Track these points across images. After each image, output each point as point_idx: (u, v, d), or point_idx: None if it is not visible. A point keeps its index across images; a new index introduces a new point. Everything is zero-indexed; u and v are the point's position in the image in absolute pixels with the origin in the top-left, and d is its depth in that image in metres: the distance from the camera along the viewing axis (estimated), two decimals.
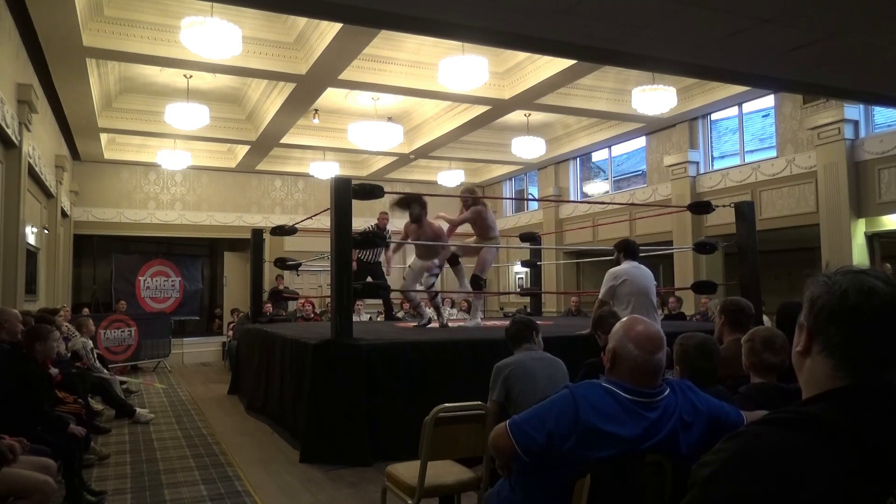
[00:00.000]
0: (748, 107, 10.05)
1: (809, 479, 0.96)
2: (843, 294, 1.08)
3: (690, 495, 1.07)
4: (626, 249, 5.51)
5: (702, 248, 7.71)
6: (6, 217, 6.81)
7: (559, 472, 1.95)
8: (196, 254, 15.49)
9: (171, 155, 11.56)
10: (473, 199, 7.32)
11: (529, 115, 11.06)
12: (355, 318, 6.63)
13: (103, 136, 11.45)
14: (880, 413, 1.02)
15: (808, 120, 8.68)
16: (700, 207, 7.92)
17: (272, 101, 10.02)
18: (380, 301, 9.16)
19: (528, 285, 11.06)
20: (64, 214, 11.34)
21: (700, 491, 1.05)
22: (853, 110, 8.25)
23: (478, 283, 7.00)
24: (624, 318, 2.15)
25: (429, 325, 7.25)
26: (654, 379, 1.98)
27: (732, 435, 1.09)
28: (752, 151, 10.15)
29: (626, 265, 5.41)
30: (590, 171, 13.93)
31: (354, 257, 8.16)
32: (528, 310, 10.50)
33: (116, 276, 13.71)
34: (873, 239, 8.27)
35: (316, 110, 10.50)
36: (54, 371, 5.17)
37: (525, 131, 11.42)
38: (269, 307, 10.14)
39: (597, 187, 13.55)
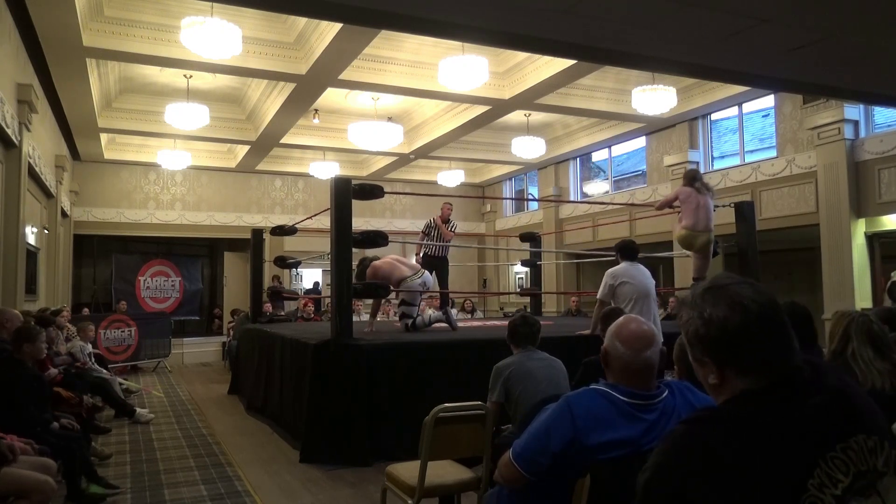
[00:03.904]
0: (748, 107, 10.05)
1: (726, 469, 1.04)
2: (724, 321, 1.15)
3: (636, 501, 1.15)
4: (624, 250, 5.54)
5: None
6: (6, 217, 6.81)
7: (560, 474, 1.95)
8: (196, 254, 15.49)
9: (171, 155, 11.56)
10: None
11: (529, 115, 11.06)
12: (355, 318, 6.63)
13: (103, 136, 11.45)
14: (781, 399, 1.11)
15: (808, 120, 8.68)
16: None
17: (272, 101, 10.02)
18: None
19: (528, 285, 11.05)
20: (64, 214, 11.35)
21: (643, 495, 1.13)
22: (853, 110, 8.25)
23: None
24: (619, 319, 2.15)
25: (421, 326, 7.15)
26: (647, 379, 1.98)
27: (661, 439, 1.19)
28: (752, 151, 10.15)
29: (625, 265, 5.44)
30: (590, 171, 13.93)
31: (420, 251, 8.22)
32: (528, 310, 10.50)
33: (116, 276, 13.71)
34: (873, 239, 8.27)
35: (316, 110, 10.50)
36: (54, 371, 5.18)
37: (525, 131, 11.42)
38: (268, 307, 10.14)
39: (597, 187, 13.55)
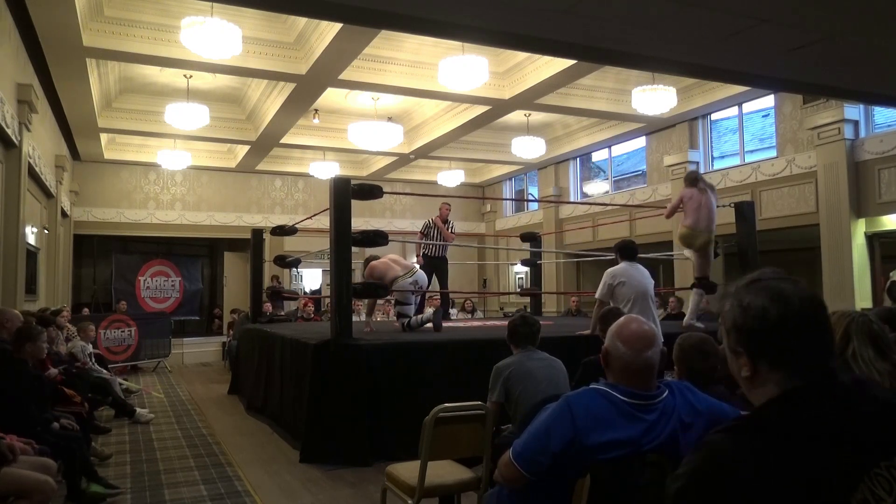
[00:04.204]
0: (748, 107, 10.05)
1: (771, 479, 1.00)
2: (763, 311, 1.12)
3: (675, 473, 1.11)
4: (624, 250, 5.56)
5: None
6: (6, 217, 6.81)
7: (560, 474, 1.95)
8: (196, 254, 15.48)
9: (171, 155, 11.56)
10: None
11: (529, 115, 11.06)
12: (355, 318, 6.64)
13: (103, 136, 11.45)
14: (827, 406, 1.06)
15: (808, 120, 8.68)
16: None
17: (272, 101, 10.02)
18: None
19: (528, 285, 11.06)
20: (64, 214, 11.35)
21: (683, 469, 1.09)
22: (853, 110, 8.25)
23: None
24: (620, 319, 2.15)
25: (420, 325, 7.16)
26: (647, 379, 1.98)
27: (696, 447, 1.14)
28: (752, 151, 10.15)
29: (624, 265, 5.45)
30: (590, 171, 13.93)
31: (420, 252, 8.25)
32: (528, 310, 10.51)
33: (116, 276, 13.70)
34: (873, 239, 8.27)
35: (316, 110, 10.50)
36: (54, 371, 5.18)
37: (525, 131, 11.42)
38: (268, 307, 10.14)
39: (597, 187, 13.55)
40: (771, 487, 1.00)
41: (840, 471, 1.01)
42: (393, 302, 7.24)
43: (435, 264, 8.34)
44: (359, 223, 6.85)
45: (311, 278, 16.10)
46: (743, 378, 1.17)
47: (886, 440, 1.06)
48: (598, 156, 13.47)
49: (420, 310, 7.61)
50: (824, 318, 1.13)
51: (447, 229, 8.29)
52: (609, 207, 12.00)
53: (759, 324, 1.12)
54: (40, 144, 8.48)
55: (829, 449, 1.02)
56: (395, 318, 9.63)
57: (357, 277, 7.11)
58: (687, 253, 7.12)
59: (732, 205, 7.40)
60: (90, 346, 7.48)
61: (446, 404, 2.99)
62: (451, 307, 11.95)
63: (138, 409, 6.89)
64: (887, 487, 1.02)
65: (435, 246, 8.27)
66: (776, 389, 1.12)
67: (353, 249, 5.74)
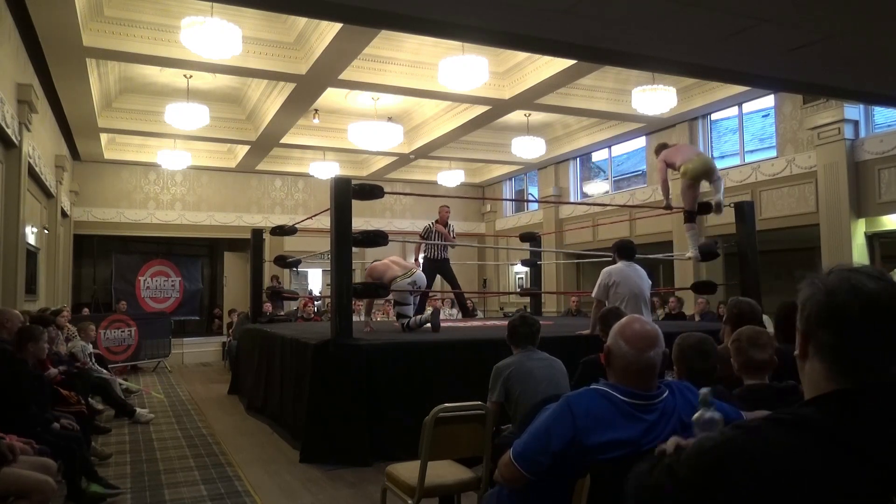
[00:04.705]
0: (748, 107, 10.05)
1: (802, 479, 0.94)
2: (830, 294, 1.05)
3: (686, 453, 1.06)
4: (622, 249, 5.57)
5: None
6: (6, 217, 6.81)
7: (560, 474, 1.96)
8: (196, 254, 15.49)
9: (171, 155, 11.56)
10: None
11: (529, 115, 11.06)
12: (355, 318, 6.64)
13: (103, 136, 11.46)
14: (874, 417, 0.99)
15: (808, 120, 8.68)
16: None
17: (272, 101, 10.02)
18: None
19: (528, 285, 11.05)
20: (64, 214, 11.35)
21: (694, 456, 1.04)
22: (853, 110, 8.25)
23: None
24: (623, 318, 2.15)
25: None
26: (649, 379, 1.98)
27: (736, 424, 1.09)
28: (752, 151, 10.15)
29: (621, 265, 5.46)
30: (590, 170, 13.93)
31: (417, 255, 8.38)
32: (528, 310, 10.51)
33: (116, 276, 13.70)
34: (873, 239, 8.27)
35: (316, 110, 10.50)
36: (54, 371, 5.18)
37: (525, 131, 11.42)
38: (268, 307, 10.14)
39: (597, 187, 13.55)
40: (797, 487, 0.94)
41: (870, 488, 0.94)
42: (392, 302, 7.25)
43: (437, 267, 8.37)
44: (359, 223, 6.86)
45: (317, 279, 16.12)
46: (795, 356, 1.12)
47: None
48: (598, 156, 13.47)
49: (420, 310, 7.60)
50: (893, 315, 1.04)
51: (448, 233, 8.35)
52: (609, 207, 12.01)
53: (820, 305, 1.06)
54: (40, 144, 8.48)
55: (863, 463, 0.95)
56: (395, 318, 9.67)
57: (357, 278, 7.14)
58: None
59: (732, 205, 7.40)
60: (90, 346, 7.48)
61: (446, 404, 2.98)
62: (453, 307, 11.96)
63: (138, 409, 6.89)
64: None
65: (435, 248, 8.30)
66: (820, 381, 1.06)
67: (353, 250, 5.74)
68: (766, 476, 0.96)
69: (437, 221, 8.36)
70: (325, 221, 6.06)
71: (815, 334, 1.07)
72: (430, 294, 9.03)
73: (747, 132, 10.27)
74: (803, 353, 1.10)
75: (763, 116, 10.13)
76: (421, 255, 8.52)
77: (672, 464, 1.08)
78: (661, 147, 7.30)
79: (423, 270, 7.70)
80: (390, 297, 7.04)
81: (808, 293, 1.10)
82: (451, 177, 13.72)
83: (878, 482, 0.94)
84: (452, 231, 8.57)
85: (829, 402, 1.03)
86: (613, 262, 5.57)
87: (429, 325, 6.64)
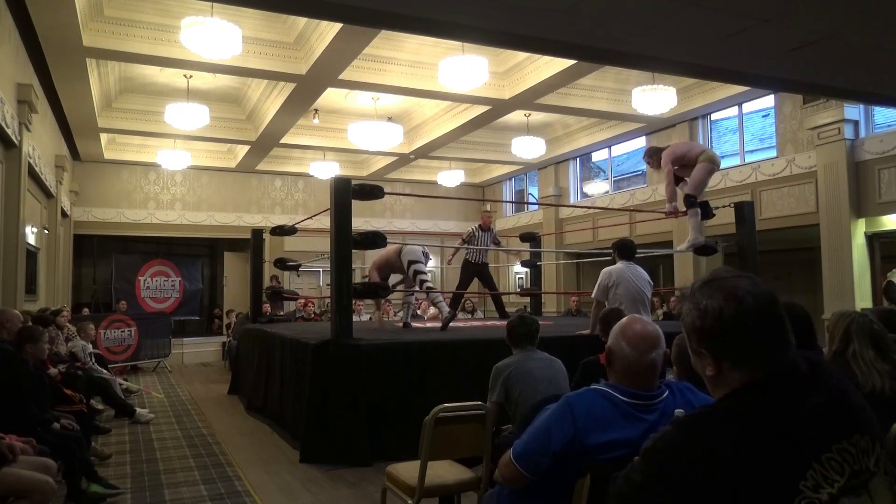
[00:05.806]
0: (748, 107, 10.05)
1: (733, 465, 1.05)
2: (718, 313, 1.16)
3: (636, 459, 1.19)
4: (620, 249, 5.57)
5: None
6: (6, 217, 6.81)
7: (560, 474, 1.96)
8: (196, 254, 15.49)
9: (171, 155, 11.56)
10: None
11: (529, 115, 11.06)
12: (355, 318, 6.64)
13: (103, 136, 11.45)
14: (784, 399, 1.11)
15: (808, 120, 8.68)
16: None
17: (272, 101, 10.02)
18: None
19: (528, 285, 11.06)
20: (64, 214, 11.35)
21: (642, 460, 1.18)
22: (853, 110, 8.25)
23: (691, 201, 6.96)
24: (624, 318, 2.15)
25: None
26: (649, 379, 1.98)
27: (673, 421, 1.21)
28: (752, 151, 10.15)
29: (621, 265, 5.46)
30: (590, 171, 13.92)
31: (451, 257, 8.63)
32: (529, 310, 10.51)
33: (116, 276, 13.70)
34: (873, 239, 8.27)
35: (316, 110, 10.50)
36: (54, 371, 5.18)
37: (525, 131, 11.42)
38: (267, 307, 10.14)
39: (597, 187, 13.55)
40: (722, 480, 1.04)
41: (790, 460, 1.06)
42: (413, 272, 7.00)
43: (476, 270, 8.53)
44: (359, 223, 6.87)
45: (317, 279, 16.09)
46: (708, 377, 1.21)
47: (837, 425, 1.11)
48: (598, 156, 13.47)
49: (454, 306, 8.20)
50: (779, 312, 1.17)
51: (490, 237, 8.55)
52: (609, 208, 12.00)
53: (717, 325, 1.16)
54: (40, 144, 8.48)
55: (780, 440, 1.07)
56: (394, 317, 9.69)
57: (357, 278, 7.16)
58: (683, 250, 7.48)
59: (732, 205, 7.40)
60: (90, 345, 7.48)
61: (446, 404, 2.99)
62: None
63: (138, 409, 6.89)
64: (839, 469, 1.08)
65: (476, 252, 8.44)
66: (735, 383, 1.16)
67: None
68: (700, 468, 1.07)
69: (479, 226, 8.55)
70: (325, 221, 6.06)
71: (722, 350, 1.17)
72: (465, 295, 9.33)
73: (747, 132, 10.27)
74: (717, 371, 1.19)
75: (763, 116, 10.13)
76: (455, 258, 8.98)
77: (629, 472, 1.20)
78: (656, 151, 7.05)
79: (461, 273, 8.32)
80: (389, 296, 7.14)
81: (694, 318, 1.20)
82: (451, 177, 13.72)
83: (794, 455, 1.07)
84: (495, 236, 8.78)
85: (746, 394, 1.14)
86: (613, 262, 5.57)
87: (438, 322, 6.74)
